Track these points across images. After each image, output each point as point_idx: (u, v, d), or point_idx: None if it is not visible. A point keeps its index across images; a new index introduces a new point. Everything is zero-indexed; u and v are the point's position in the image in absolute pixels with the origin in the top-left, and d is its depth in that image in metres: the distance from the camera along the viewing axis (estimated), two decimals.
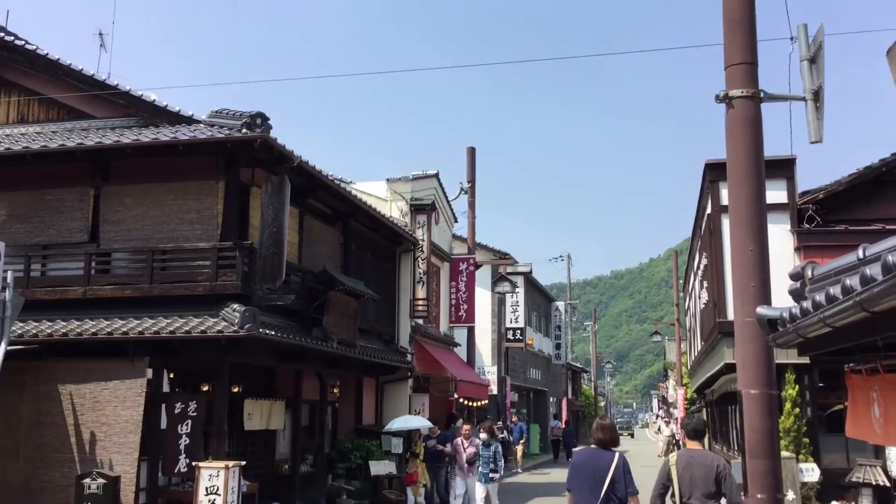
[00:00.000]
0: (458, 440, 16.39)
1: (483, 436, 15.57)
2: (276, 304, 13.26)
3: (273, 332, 12.84)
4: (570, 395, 49.78)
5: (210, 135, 12.75)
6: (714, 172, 15.80)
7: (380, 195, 20.56)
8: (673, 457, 7.42)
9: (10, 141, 14.02)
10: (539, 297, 42.49)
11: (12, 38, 14.95)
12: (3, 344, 11.53)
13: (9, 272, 11.88)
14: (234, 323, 12.07)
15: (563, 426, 39.02)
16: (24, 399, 12.67)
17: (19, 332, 12.41)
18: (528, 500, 20.63)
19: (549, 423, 42.36)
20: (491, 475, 15.42)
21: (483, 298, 29.78)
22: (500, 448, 15.82)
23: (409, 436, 18.13)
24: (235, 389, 15.05)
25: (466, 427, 16.75)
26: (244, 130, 12.56)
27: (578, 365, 61.44)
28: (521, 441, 31.77)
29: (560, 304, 45.63)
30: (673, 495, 7.27)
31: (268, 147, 12.79)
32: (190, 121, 13.82)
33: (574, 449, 38.71)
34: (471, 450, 15.87)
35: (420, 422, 17.97)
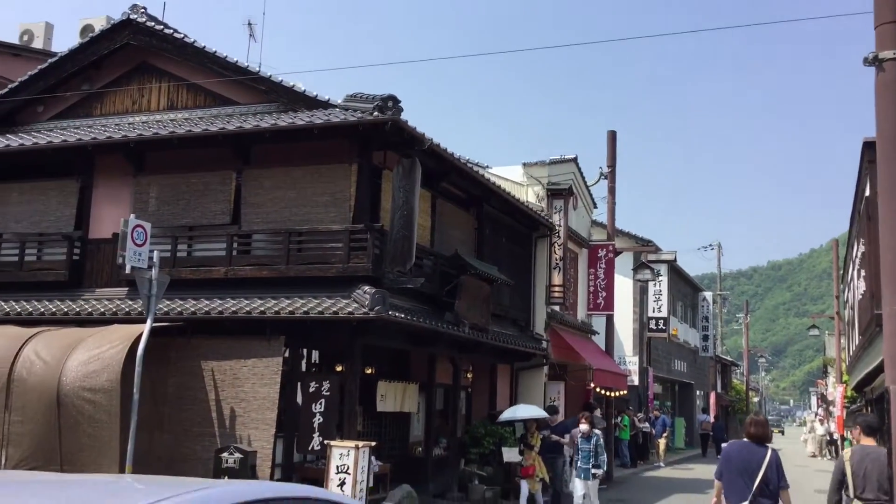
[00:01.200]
0: (576, 431, 14.99)
1: (583, 427, 14.58)
2: (407, 287, 13.28)
3: (402, 315, 12.88)
4: (718, 389, 47.89)
5: (343, 118, 12.88)
6: (873, 151, 14.54)
7: (516, 180, 20.29)
8: (847, 452, 7.84)
9: (160, 126, 14.68)
10: (685, 287, 41.03)
11: (162, 27, 15.64)
12: (149, 320, 12.09)
13: (155, 252, 12.44)
14: (365, 305, 12.17)
15: (713, 420, 37.55)
16: (169, 374, 13.26)
17: (165, 309, 12.99)
18: (668, 495, 19.92)
19: (695, 417, 40.91)
20: (593, 471, 14.43)
21: (623, 286, 28.99)
22: (601, 440, 14.80)
23: (525, 426, 17.42)
24: (369, 371, 15.26)
25: (586, 416, 15.54)
26: (375, 113, 12.62)
27: (729, 358, 59.04)
28: (665, 435, 30.77)
29: (708, 295, 43.89)
30: (847, 489, 7.56)
31: (398, 129, 12.79)
32: (326, 105, 14.02)
33: (723, 444, 37.30)
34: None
35: (533, 411, 16.67)
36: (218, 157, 14.05)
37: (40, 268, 14.93)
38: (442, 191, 16.02)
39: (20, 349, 12.46)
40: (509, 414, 16.69)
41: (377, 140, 13.25)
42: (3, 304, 14.51)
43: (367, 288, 12.40)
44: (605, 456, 15.08)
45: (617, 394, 24.37)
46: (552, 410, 17.51)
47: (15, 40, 22.83)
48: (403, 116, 12.80)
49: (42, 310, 14.08)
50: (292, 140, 13.45)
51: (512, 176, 20.36)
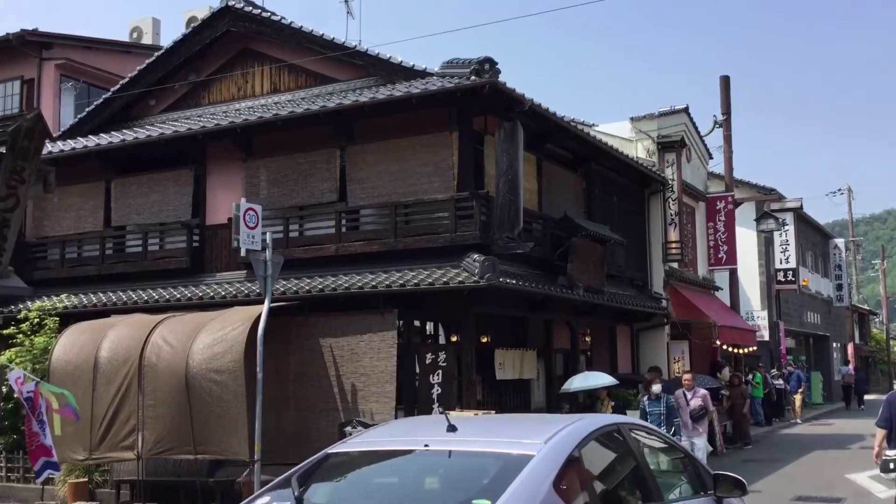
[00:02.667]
0: (680, 392, 13.73)
1: (655, 387, 13.30)
2: (517, 253, 13.07)
3: (514, 281, 12.68)
4: (857, 340, 45.63)
5: (441, 86, 12.71)
6: None
7: (624, 136, 19.66)
8: None
9: (264, 110, 14.92)
10: (814, 235, 39.08)
11: (259, 10, 15.84)
12: (267, 301, 12.33)
13: (268, 233, 12.64)
14: (475, 273, 12.04)
15: (853, 372, 35.79)
16: (290, 352, 13.53)
17: (282, 289, 13.24)
18: (807, 452, 19.05)
19: (833, 371, 39.11)
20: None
21: (747, 239, 27.83)
22: (672, 402, 13.30)
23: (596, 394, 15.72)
24: (485, 339, 15.16)
25: (688, 376, 14.27)
26: (473, 78, 12.38)
27: (866, 307, 56.13)
28: (800, 390, 29.51)
29: (840, 242, 41.69)
30: None
31: (497, 92, 12.52)
32: (424, 74, 13.88)
33: (865, 396, 35.54)
34: (695, 402, 13.51)
35: (604, 379, 14.95)
36: (322, 135, 14.16)
37: (163, 256, 15.49)
38: (547, 152, 15.66)
39: (149, 335, 12.94)
40: (579, 383, 14.78)
41: (476, 105, 13.02)
42: (130, 292, 15.14)
43: (476, 256, 12.26)
44: (680, 419, 13.38)
45: (746, 350, 23.48)
46: (655, 371, 16.10)
47: (125, 38, 23.70)
48: (502, 78, 12.52)
49: (167, 297, 14.62)
50: (392, 112, 13.38)
51: (619, 132, 19.74)
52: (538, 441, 4.16)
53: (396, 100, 12.95)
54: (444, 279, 12.26)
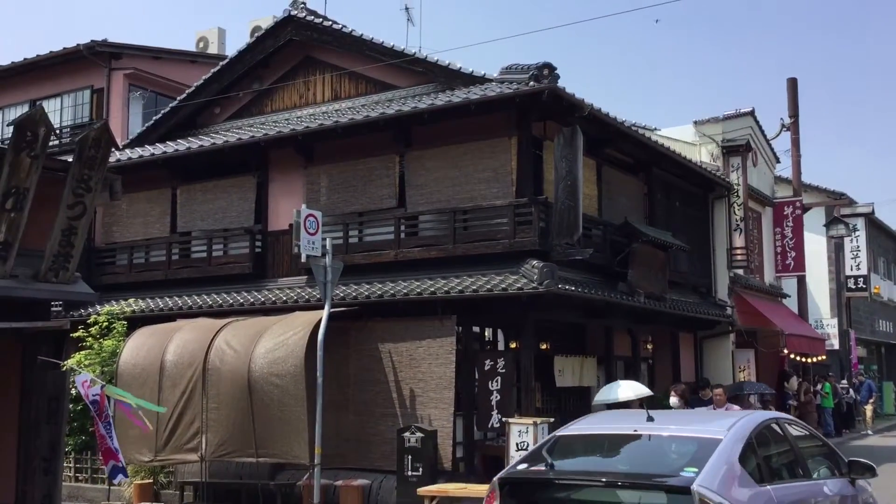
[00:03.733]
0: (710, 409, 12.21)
1: (674, 401, 12.71)
2: (576, 259, 12.94)
3: (573, 288, 12.57)
4: None
5: (499, 92, 12.69)
6: None
7: (687, 140, 19.33)
8: None
9: (325, 117, 15.08)
10: (886, 241, 37.87)
11: (321, 20, 16.04)
12: (327, 306, 12.44)
13: (328, 239, 12.77)
14: (533, 279, 11.97)
15: None
16: (349, 357, 13.65)
17: (341, 294, 13.35)
18: (879, 464, 18.42)
19: None
20: None
21: (816, 245, 27.12)
22: None
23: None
24: (544, 346, 15.06)
25: (718, 391, 12.63)
26: (532, 83, 12.33)
27: None
28: (871, 401, 28.60)
29: None
30: None
31: (556, 98, 12.44)
32: (483, 80, 13.87)
33: None
34: None
35: (636, 389, 13.15)
36: (381, 142, 14.25)
37: (226, 262, 15.77)
38: (607, 157, 15.49)
39: (213, 340, 13.20)
40: (605, 395, 13.20)
41: (535, 111, 12.96)
42: (195, 297, 15.44)
43: (534, 262, 12.19)
44: None
45: (814, 359, 22.85)
46: (705, 384, 14.71)
47: (192, 48, 24.25)
48: (562, 83, 12.43)
49: (230, 301, 14.87)
50: (451, 118, 13.40)
51: (682, 136, 19.42)
52: (722, 429, 5.68)
53: (455, 106, 12.97)
54: (503, 285, 12.22)
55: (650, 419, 6.00)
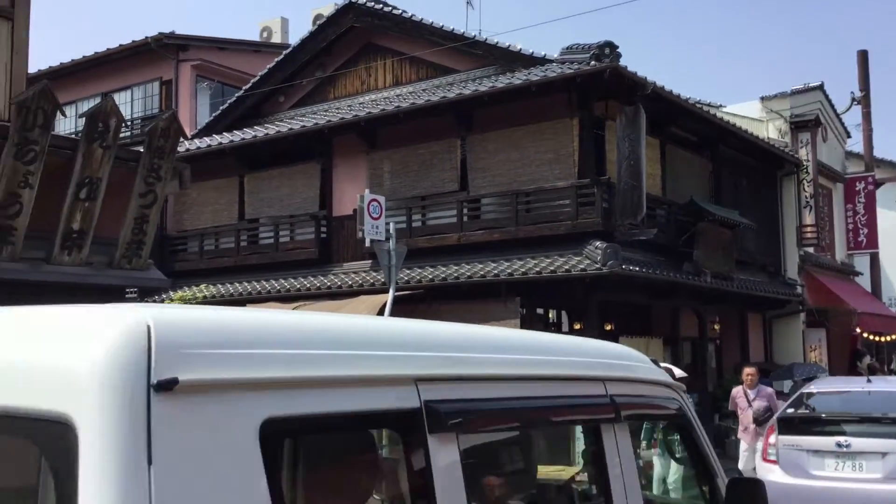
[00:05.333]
0: (738, 390, 10.78)
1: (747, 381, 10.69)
2: (640, 240, 12.84)
3: (637, 269, 12.48)
4: None
5: (560, 72, 12.62)
6: None
7: (753, 116, 18.89)
8: None
9: (386, 103, 15.20)
10: None
11: (381, 5, 16.15)
12: (391, 290, 12.59)
13: (391, 224, 12.90)
14: (597, 261, 11.92)
15: None
16: None
17: (406, 278, 13.48)
18: None
19: None
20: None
21: (889, 221, 26.26)
22: (773, 401, 10.48)
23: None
24: (608, 327, 14.95)
25: (749, 370, 10.90)
26: (593, 63, 12.23)
27: None
28: None
29: None
30: None
31: (618, 76, 12.32)
32: (543, 61, 13.80)
33: None
34: (759, 403, 10.26)
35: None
36: (442, 126, 14.31)
37: (293, 247, 16.06)
38: (671, 136, 15.28)
39: None
40: None
41: (597, 90, 12.86)
42: (264, 282, 15.78)
43: (598, 243, 12.13)
44: (739, 424, 10.93)
45: (889, 338, 22.20)
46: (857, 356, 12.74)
47: (256, 37, 24.63)
48: (623, 62, 12.32)
49: (298, 286, 15.16)
50: (511, 101, 13.38)
51: (749, 112, 18.99)
52: None
53: (516, 88, 12.94)
54: (566, 267, 12.20)
55: (869, 381, 9.36)
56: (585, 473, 3.41)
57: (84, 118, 5.53)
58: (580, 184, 12.75)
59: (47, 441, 1.54)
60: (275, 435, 1.62)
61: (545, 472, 3.75)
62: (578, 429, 3.52)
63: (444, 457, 1.93)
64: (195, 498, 1.46)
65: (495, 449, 2.92)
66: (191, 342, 1.55)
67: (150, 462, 1.41)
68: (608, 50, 12.19)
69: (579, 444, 3.99)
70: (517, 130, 13.52)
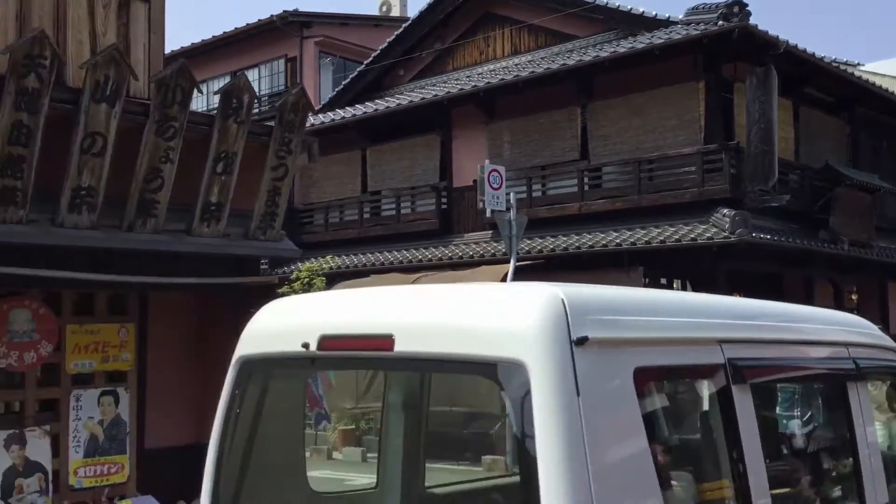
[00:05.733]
0: None
1: None
2: (770, 207, 12.35)
3: (768, 237, 12.02)
4: None
5: (685, 34, 12.21)
6: None
7: (894, 74, 17.78)
8: None
9: (505, 72, 15.11)
10: None
11: None
12: (512, 260, 12.60)
13: (511, 194, 12.88)
14: (724, 229, 11.56)
15: None
16: None
17: (526, 248, 13.45)
18: None
19: None
20: None
21: None
22: None
23: None
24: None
25: None
26: (720, 23, 11.77)
27: None
28: None
29: None
30: None
31: (748, 36, 11.82)
32: (667, 23, 13.40)
33: None
34: None
35: None
36: (562, 94, 14.12)
37: (414, 219, 16.28)
38: (805, 97, 14.56)
39: None
40: None
41: (724, 52, 12.38)
42: (386, 253, 16.08)
43: (725, 211, 11.75)
44: None
45: None
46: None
47: (375, 12, 24.90)
48: (753, 21, 11.80)
49: (419, 257, 15.36)
50: (634, 66, 13.05)
51: (889, 71, 17.88)
52: None
53: (638, 52, 12.63)
54: (692, 236, 11.88)
55: None
56: (828, 427, 4.06)
57: (219, 95, 5.74)
58: (706, 149, 12.35)
59: (506, 377, 2.27)
60: (641, 379, 2.30)
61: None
62: (817, 387, 4.16)
63: (744, 403, 2.58)
64: (602, 419, 2.16)
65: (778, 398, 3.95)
66: (590, 310, 2.26)
67: (577, 393, 2.12)
68: (737, 8, 11.69)
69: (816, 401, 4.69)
70: (639, 96, 13.19)
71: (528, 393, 2.16)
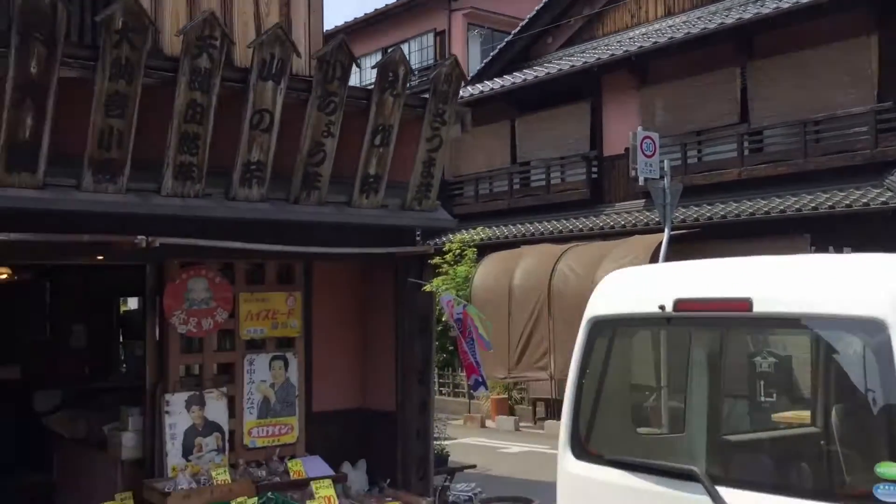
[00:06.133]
0: None
1: None
2: None
3: None
4: None
5: None
6: None
7: None
8: None
9: (658, 35, 14.64)
10: None
11: None
12: (667, 229, 12.28)
13: (665, 161, 12.54)
14: None
15: None
16: None
17: (681, 216, 13.06)
18: None
19: None
20: None
21: None
22: None
23: None
24: None
25: None
26: None
27: None
28: None
29: None
30: None
31: None
32: None
33: None
34: None
35: None
36: (719, 55, 13.54)
37: (564, 189, 16.12)
38: None
39: (555, 264, 13.65)
40: None
41: None
42: (536, 224, 16.02)
43: None
44: None
45: None
46: None
47: None
48: None
49: (570, 227, 15.22)
50: (799, 21, 12.33)
51: None
52: None
53: (805, 6, 11.93)
54: (864, 200, 11.19)
55: None
56: None
57: (376, 69, 5.85)
58: (880, 108, 11.55)
59: (866, 333, 2.73)
60: None
61: None
62: None
63: None
64: None
65: None
66: None
67: None
68: None
69: None
70: (805, 53, 12.45)
71: (886, 345, 2.61)
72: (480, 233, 16.73)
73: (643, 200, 14.38)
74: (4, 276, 8.68)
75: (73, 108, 4.65)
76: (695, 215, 13.14)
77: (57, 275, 8.96)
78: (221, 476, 5.36)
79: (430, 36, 21.19)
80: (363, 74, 20.30)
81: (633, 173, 12.80)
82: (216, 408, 5.77)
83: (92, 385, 8.17)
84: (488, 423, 14.41)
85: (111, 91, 4.70)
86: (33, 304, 9.09)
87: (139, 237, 4.92)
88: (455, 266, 15.65)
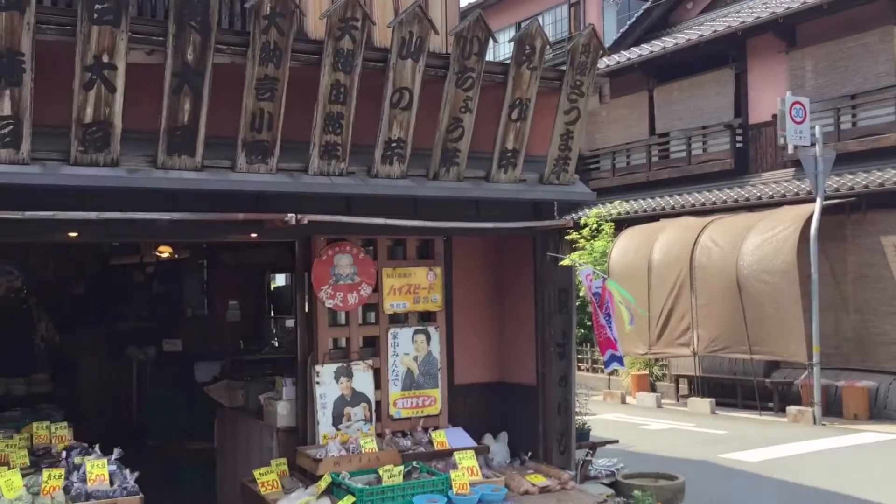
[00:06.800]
0: None
1: None
2: None
3: None
4: None
5: None
6: None
7: None
8: None
9: None
10: None
11: None
12: (819, 198, 11.75)
13: (816, 127, 11.99)
14: None
15: None
16: (846, 252, 12.74)
17: (834, 185, 12.43)
18: None
19: None
20: None
21: None
22: None
23: None
24: None
25: None
26: None
27: None
28: None
29: None
30: None
31: None
32: None
33: None
34: None
35: None
36: (875, 12, 12.75)
37: (706, 160, 15.60)
38: None
39: (697, 238, 13.29)
40: None
41: None
42: (676, 196, 15.60)
43: None
44: None
45: None
46: None
47: None
48: None
49: (713, 199, 14.73)
50: None
51: None
52: None
53: None
54: None
55: None
56: None
57: (511, 43, 5.83)
58: None
59: None
60: None
61: None
62: None
63: None
64: None
65: None
66: None
67: None
68: None
69: None
70: None
71: None
72: (618, 206, 16.46)
73: (793, 170, 13.77)
74: (166, 255, 9.27)
75: (226, 93, 4.88)
76: (850, 184, 12.45)
77: (212, 253, 9.49)
78: (369, 445, 5.54)
79: (565, 7, 20.89)
80: (498, 49, 20.26)
81: (781, 141, 12.32)
82: (363, 379, 5.96)
83: (246, 357, 8.63)
84: (628, 399, 14.23)
85: (261, 75, 4.89)
86: (192, 282, 9.66)
87: (290, 215, 5.13)
88: (592, 241, 15.49)
